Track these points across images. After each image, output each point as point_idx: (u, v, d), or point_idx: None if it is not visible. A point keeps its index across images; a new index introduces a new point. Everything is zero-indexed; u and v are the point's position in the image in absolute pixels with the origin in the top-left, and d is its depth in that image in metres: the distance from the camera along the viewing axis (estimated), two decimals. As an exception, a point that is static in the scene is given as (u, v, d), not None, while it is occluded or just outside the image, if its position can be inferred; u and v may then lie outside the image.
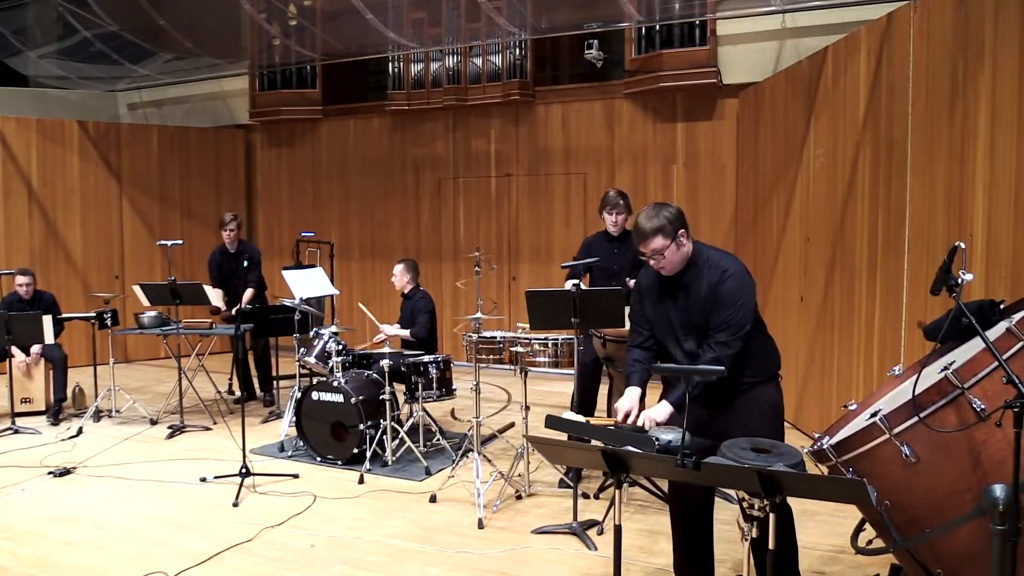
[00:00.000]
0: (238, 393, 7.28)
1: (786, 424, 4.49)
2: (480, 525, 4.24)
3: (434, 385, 5.31)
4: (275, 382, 7.11)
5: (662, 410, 3.01)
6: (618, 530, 2.54)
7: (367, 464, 5.10)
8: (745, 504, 2.35)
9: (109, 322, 6.56)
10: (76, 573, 3.74)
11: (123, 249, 9.39)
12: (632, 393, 3.11)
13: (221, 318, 7.09)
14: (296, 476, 5.06)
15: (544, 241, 8.70)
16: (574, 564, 3.78)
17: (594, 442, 2.90)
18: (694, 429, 2.85)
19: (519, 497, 4.65)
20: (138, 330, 6.92)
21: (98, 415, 6.57)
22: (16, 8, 8.49)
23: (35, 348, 6.59)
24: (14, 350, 6.53)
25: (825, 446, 2.66)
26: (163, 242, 6.88)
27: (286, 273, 6.26)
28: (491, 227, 8.97)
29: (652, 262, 3.02)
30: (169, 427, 6.17)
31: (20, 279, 6.67)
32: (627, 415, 3.04)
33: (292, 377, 6.60)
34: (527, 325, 4.60)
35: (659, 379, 3.36)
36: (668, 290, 3.10)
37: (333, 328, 5.79)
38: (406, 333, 5.78)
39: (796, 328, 6.04)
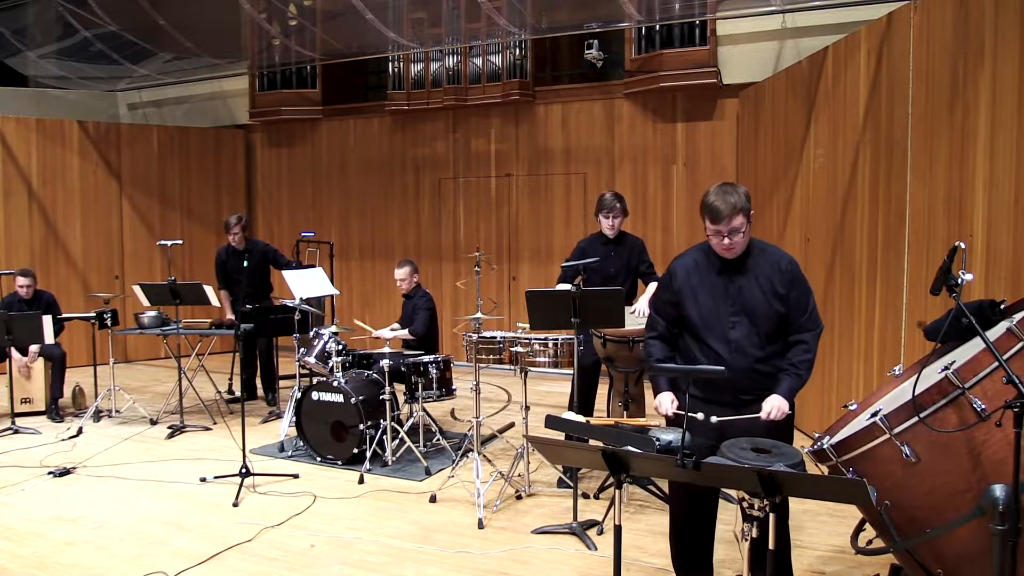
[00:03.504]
0: (237, 392, 7.29)
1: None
2: (480, 525, 4.24)
3: (434, 385, 5.31)
4: (276, 382, 7.11)
5: (783, 402, 2.92)
6: (618, 530, 2.54)
7: (367, 464, 5.10)
8: (745, 504, 2.35)
9: (109, 322, 6.56)
10: (76, 573, 3.74)
11: (123, 249, 9.38)
12: (666, 397, 3.07)
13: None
14: (296, 476, 5.06)
15: (544, 241, 8.70)
16: (574, 564, 3.78)
17: (593, 442, 2.90)
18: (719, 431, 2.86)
19: (519, 497, 4.65)
20: (138, 330, 6.92)
21: (98, 415, 6.57)
22: (16, 8, 8.49)
23: (33, 348, 6.58)
24: (12, 351, 6.53)
25: (825, 446, 2.66)
26: (163, 242, 6.87)
27: (286, 273, 6.26)
28: (491, 227, 8.97)
29: (726, 242, 2.90)
30: (169, 427, 6.16)
31: (21, 280, 6.67)
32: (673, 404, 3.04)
33: (292, 377, 6.60)
34: (527, 325, 4.60)
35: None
36: (720, 275, 3.00)
37: (333, 328, 5.79)
38: (405, 332, 5.78)
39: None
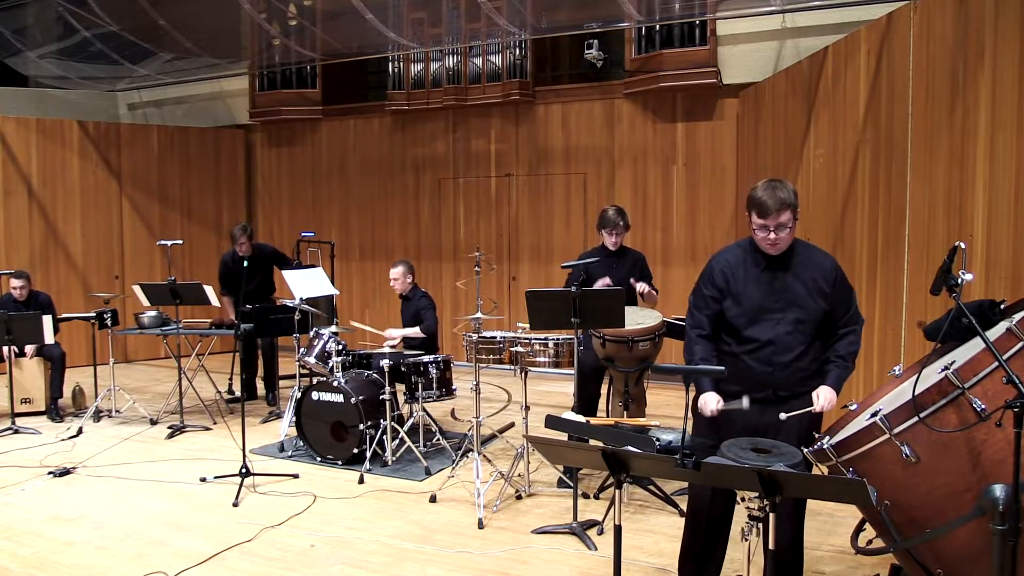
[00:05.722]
0: (237, 392, 7.28)
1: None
2: (480, 525, 4.24)
3: (434, 385, 5.31)
4: (277, 382, 7.11)
5: (834, 393, 2.96)
6: (618, 530, 2.54)
7: (367, 464, 5.10)
8: (746, 504, 2.35)
9: (109, 322, 6.56)
10: (76, 573, 3.74)
11: (123, 249, 9.38)
12: (711, 397, 2.97)
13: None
14: (296, 476, 5.06)
15: (544, 241, 8.70)
16: (574, 564, 3.78)
17: (594, 442, 2.90)
18: (742, 428, 2.86)
19: (519, 497, 4.65)
20: (138, 330, 6.92)
21: (98, 415, 6.57)
22: (16, 8, 8.48)
23: (29, 348, 6.56)
24: (14, 348, 6.52)
25: (825, 446, 2.66)
26: (163, 242, 6.87)
27: (286, 273, 6.26)
28: (491, 227, 8.97)
29: (772, 236, 2.90)
30: (169, 427, 6.16)
31: (15, 282, 6.63)
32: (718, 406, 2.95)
33: (292, 377, 6.60)
34: (527, 325, 4.60)
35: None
36: (764, 272, 3.00)
37: (333, 328, 5.79)
38: (416, 330, 5.74)
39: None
